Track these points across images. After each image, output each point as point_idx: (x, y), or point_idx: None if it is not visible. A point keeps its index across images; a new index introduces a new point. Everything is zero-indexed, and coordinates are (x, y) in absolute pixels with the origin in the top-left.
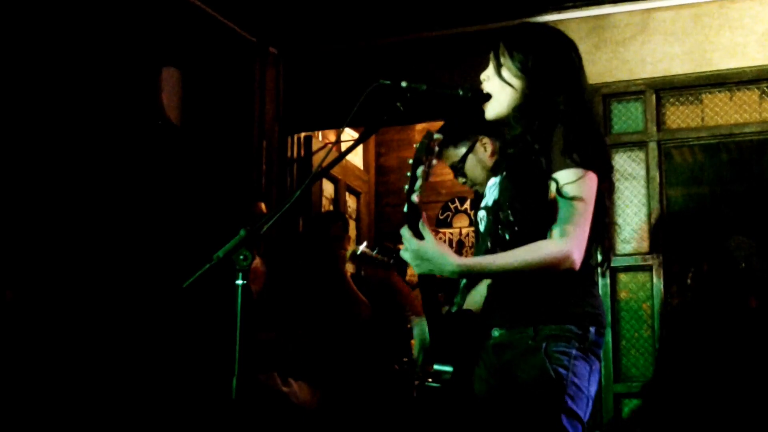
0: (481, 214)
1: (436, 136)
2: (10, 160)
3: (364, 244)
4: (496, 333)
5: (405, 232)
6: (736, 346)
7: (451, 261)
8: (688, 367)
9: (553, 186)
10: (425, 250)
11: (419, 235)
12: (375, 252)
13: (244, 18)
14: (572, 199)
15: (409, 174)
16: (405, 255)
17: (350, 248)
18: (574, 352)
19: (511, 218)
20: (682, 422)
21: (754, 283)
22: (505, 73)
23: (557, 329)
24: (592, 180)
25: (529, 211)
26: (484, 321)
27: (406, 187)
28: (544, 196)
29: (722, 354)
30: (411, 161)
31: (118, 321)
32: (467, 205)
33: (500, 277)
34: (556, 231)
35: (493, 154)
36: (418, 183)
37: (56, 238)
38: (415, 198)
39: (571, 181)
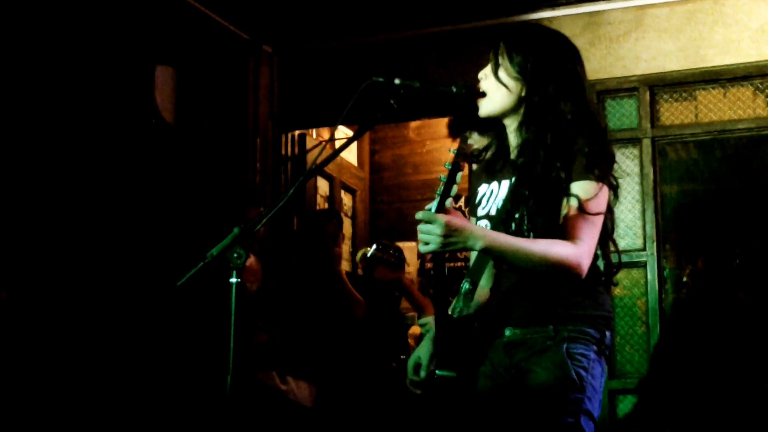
0: (483, 223)
1: (470, 141)
2: (4, 159)
3: (374, 246)
4: (508, 332)
5: (427, 214)
6: (731, 343)
7: (478, 233)
8: (684, 363)
9: (573, 200)
10: (454, 222)
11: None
12: (377, 250)
13: (238, 16)
14: (589, 212)
15: (443, 178)
16: (430, 237)
17: (360, 252)
18: (592, 354)
19: (531, 234)
20: (678, 418)
21: (748, 279)
22: (502, 73)
23: (576, 331)
24: (605, 194)
25: (549, 228)
26: (490, 324)
27: (439, 190)
28: (559, 210)
29: (718, 350)
30: (448, 165)
31: (113, 320)
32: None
33: (512, 260)
34: (571, 237)
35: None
36: (455, 189)
37: (50, 237)
38: (449, 203)
39: (591, 195)
